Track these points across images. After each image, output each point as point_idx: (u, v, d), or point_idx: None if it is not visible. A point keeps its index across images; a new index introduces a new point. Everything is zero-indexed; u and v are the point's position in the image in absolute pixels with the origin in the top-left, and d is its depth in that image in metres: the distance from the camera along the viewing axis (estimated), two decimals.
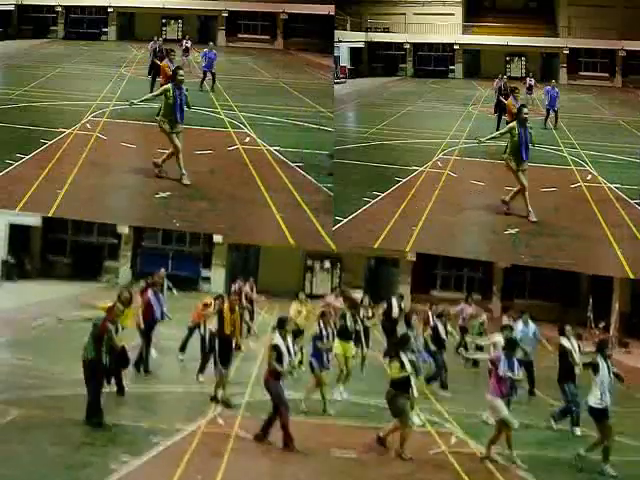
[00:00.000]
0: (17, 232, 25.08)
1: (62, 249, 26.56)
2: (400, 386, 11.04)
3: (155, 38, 22.39)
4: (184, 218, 13.97)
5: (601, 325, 23.80)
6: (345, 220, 14.43)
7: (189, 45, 24.45)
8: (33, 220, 23.77)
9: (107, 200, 14.71)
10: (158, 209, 14.11)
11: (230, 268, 25.77)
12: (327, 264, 27.64)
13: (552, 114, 22.56)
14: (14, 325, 17.82)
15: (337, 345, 13.87)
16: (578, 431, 12.84)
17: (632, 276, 14.18)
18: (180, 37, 26.78)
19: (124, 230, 25.16)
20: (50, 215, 14.02)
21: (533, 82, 24.98)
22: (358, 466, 10.85)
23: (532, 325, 14.87)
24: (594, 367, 11.09)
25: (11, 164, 14.82)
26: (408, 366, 11.08)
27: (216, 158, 16.08)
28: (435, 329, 15.01)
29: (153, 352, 15.21)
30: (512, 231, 14.49)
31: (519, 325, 14.83)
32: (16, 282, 24.35)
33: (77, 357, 14.47)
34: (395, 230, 14.39)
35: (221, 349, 12.90)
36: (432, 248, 15.89)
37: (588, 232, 14.84)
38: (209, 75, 22.07)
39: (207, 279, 25.51)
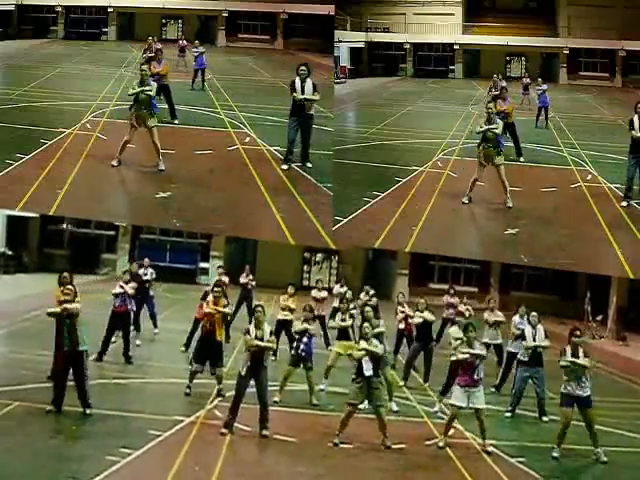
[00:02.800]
0: (15, 224, 25.11)
1: (60, 241, 26.59)
2: None
3: (152, 39, 22.37)
4: (184, 218, 13.97)
5: (598, 318, 23.87)
6: (345, 220, 14.42)
7: (185, 45, 24.48)
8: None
9: (107, 200, 14.71)
10: (158, 209, 14.12)
11: (228, 260, 25.85)
12: (325, 257, 27.71)
13: (543, 113, 22.71)
14: (11, 317, 17.89)
15: (336, 344, 14.17)
16: (545, 419, 13.24)
17: (632, 276, 14.17)
18: (179, 37, 26.80)
19: (122, 222, 25.19)
20: (51, 214, 14.05)
21: (529, 81, 25.07)
22: (354, 457, 10.87)
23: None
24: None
25: (11, 164, 14.82)
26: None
27: (216, 158, 16.09)
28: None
29: (137, 342, 16.22)
30: (512, 231, 14.50)
31: (516, 318, 14.89)
32: (14, 275, 24.39)
33: None
34: (395, 230, 14.38)
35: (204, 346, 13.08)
36: (432, 248, 15.90)
37: (588, 232, 14.84)
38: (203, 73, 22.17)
39: (205, 271, 25.54)
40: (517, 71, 30.72)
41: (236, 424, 11.43)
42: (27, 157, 15.22)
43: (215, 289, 13.46)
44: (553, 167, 18.54)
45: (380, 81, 31.17)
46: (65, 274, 12.48)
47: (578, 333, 11.39)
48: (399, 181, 16.65)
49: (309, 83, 14.77)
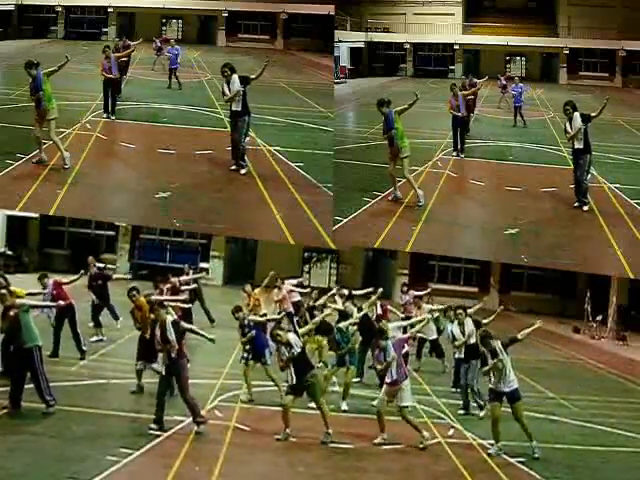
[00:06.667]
0: (15, 224, 25.09)
1: (60, 241, 26.57)
2: None
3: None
4: (184, 218, 13.99)
5: (598, 318, 23.88)
6: (345, 220, 14.44)
7: (160, 44, 24.60)
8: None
9: (107, 200, 14.73)
10: (158, 209, 14.13)
11: (228, 260, 25.88)
12: (325, 256, 27.69)
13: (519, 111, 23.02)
14: None
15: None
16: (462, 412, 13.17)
17: (632, 276, 14.18)
18: (157, 36, 26.74)
19: (122, 222, 25.18)
20: (51, 214, 14.06)
21: (505, 82, 25.33)
22: (355, 457, 10.86)
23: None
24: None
25: (11, 164, 14.83)
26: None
27: (216, 158, 16.08)
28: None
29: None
30: (512, 231, 14.50)
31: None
32: (14, 275, 24.31)
33: (72, 348, 14.61)
34: (395, 230, 14.39)
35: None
36: (432, 248, 15.90)
37: (588, 232, 14.85)
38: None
39: (205, 271, 25.50)
40: (517, 71, 30.68)
41: (236, 424, 11.45)
42: (27, 157, 15.22)
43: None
44: (553, 167, 18.55)
45: (380, 81, 31.16)
46: None
47: (484, 333, 11.34)
48: (399, 181, 16.63)
49: (234, 79, 14.51)
